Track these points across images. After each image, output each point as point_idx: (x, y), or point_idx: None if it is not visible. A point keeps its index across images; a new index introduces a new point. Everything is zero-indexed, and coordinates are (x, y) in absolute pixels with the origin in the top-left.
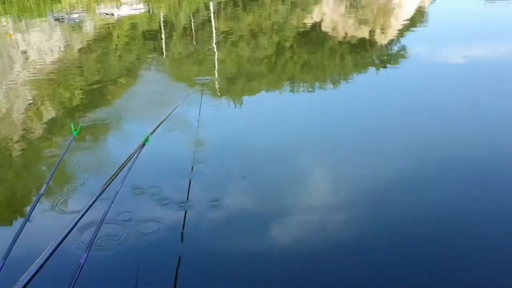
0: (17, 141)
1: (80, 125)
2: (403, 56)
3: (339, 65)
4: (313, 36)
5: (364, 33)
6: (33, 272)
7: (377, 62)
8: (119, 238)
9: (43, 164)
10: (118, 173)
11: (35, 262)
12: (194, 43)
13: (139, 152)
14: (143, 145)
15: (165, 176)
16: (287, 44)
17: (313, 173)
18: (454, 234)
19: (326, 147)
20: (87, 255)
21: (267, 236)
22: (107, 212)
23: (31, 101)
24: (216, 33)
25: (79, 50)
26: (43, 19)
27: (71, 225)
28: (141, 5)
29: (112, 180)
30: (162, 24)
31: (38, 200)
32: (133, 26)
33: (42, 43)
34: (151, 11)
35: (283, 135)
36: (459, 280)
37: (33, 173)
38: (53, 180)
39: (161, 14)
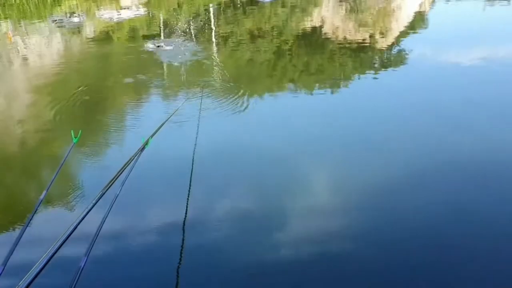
0: (16, 147)
1: (80, 131)
2: (404, 59)
3: (339, 68)
4: (313, 39)
5: (364, 36)
6: (33, 276)
7: (377, 65)
8: (119, 240)
9: (43, 170)
10: (118, 176)
11: (35, 266)
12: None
13: (139, 155)
14: (143, 148)
15: (163, 179)
16: (287, 47)
17: (314, 175)
18: (462, 235)
19: (325, 148)
20: (86, 258)
21: (269, 237)
22: (107, 215)
23: (30, 105)
24: (215, 36)
25: (79, 53)
26: (43, 22)
27: (71, 229)
28: (141, 9)
29: (111, 184)
30: (162, 27)
31: (39, 205)
32: (133, 29)
33: (42, 47)
34: (151, 14)
35: (283, 137)
36: (463, 280)
37: (32, 178)
38: (53, 185)
39: (161, 17)
